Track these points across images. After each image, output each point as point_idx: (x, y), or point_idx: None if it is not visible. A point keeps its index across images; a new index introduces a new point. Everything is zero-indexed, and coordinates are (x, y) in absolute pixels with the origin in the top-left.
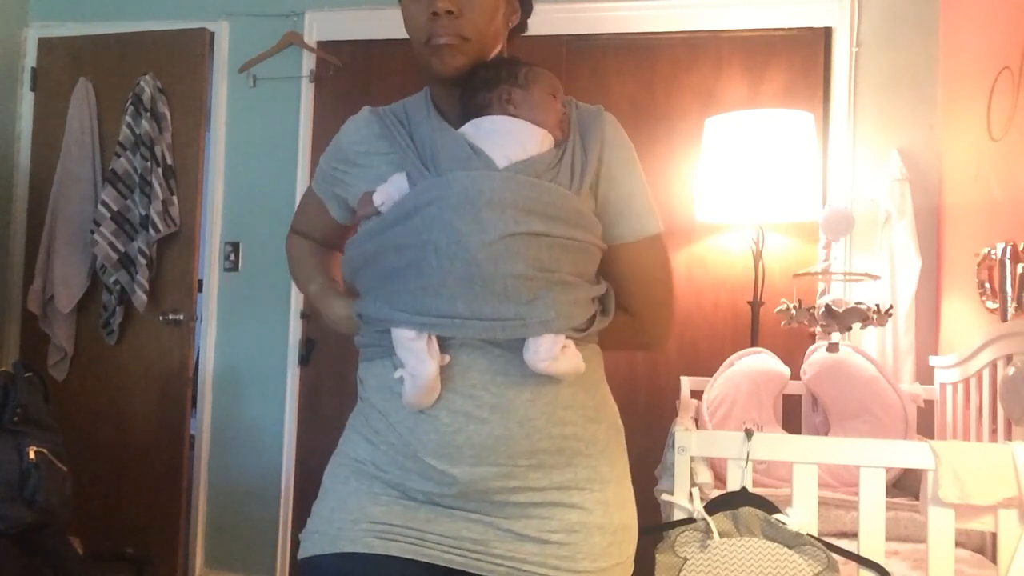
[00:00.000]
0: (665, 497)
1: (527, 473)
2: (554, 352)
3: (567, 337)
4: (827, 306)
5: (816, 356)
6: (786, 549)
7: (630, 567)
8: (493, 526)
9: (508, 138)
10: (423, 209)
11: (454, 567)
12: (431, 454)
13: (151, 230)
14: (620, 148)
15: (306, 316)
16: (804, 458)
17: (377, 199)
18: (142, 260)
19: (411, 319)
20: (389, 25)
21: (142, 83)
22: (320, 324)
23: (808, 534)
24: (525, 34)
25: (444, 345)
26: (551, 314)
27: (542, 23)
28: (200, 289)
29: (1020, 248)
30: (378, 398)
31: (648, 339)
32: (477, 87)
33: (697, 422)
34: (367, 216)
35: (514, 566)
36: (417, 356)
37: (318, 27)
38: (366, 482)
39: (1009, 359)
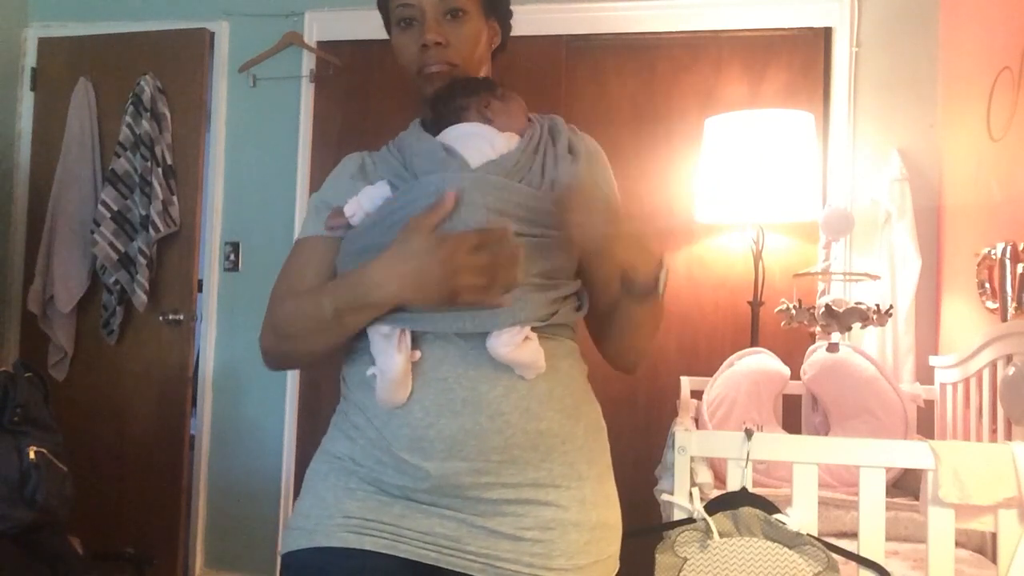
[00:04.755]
0: (665, 497)
1: (500, 469)
2: (516, 340)
3: (532, 329)
4: (827, 306)
5: (816, 356)
6: (786, 549)
7: (613, 565)
8: (466, 523)
9: (480, 140)
10: (399, 211)
11: (429, 563)
12: (404, 448)
13: (151, 230)
14: (607, 169)
15: None
16: (804, 458)
17: (348, 210)
18: (142, 260)
19: (384, 315)
20: None
21: (142, 83)
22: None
23: (808, 534)
24: (524, 35)
25: (417, 341)
26: (519, 305)
27: (542, 23)
28: (200, 289)
29: (1020, 248)
30: (359, 394)
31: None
32: (455, 94)
33: (697, 422)
34: (337, 228)
35: (487, 563)
36: (386, 352)
37: (318, 27)
38: (343, 477)
39: (1009, 359)
